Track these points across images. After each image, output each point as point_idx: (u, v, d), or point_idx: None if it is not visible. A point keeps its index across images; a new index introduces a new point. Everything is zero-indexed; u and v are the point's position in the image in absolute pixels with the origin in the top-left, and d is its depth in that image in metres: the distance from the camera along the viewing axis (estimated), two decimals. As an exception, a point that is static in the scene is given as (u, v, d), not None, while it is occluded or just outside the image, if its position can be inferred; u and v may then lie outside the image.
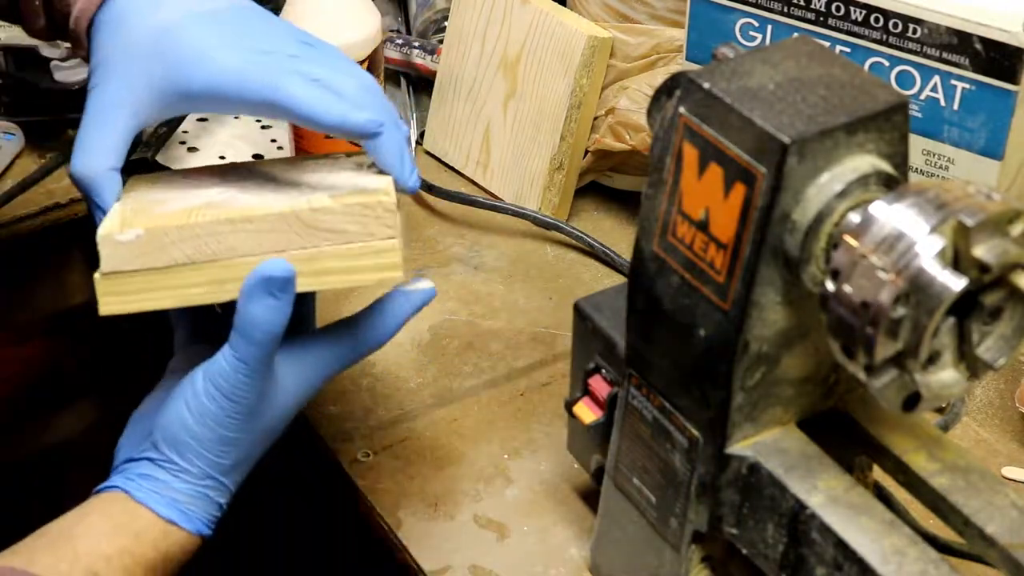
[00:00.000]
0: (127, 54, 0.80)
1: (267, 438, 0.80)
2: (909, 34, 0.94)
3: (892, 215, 0.62)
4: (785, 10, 0.99)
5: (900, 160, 0.67)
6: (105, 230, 0.76)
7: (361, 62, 1.08)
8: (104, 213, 0.79)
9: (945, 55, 0.93)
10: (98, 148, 0.79)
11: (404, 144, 0.81)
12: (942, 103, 0.95)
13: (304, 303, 0.85)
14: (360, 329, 0.81)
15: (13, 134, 1.24)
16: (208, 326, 0.85)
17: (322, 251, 0.76)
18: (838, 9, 0.97)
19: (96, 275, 0.76)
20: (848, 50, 0.97)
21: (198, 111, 0.80)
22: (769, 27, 1.01)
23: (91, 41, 0.82)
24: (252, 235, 0.76)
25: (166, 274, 0.76)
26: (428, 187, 1.17)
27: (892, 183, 0.66)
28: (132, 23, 0.80)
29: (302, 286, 0.76)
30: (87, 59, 0.83)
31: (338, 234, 0.76)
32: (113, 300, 0.77)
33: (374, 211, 0.76)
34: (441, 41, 1.24)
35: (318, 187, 0.80)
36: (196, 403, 0.77)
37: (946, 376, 0.63)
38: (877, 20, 0.95)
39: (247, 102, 0.79)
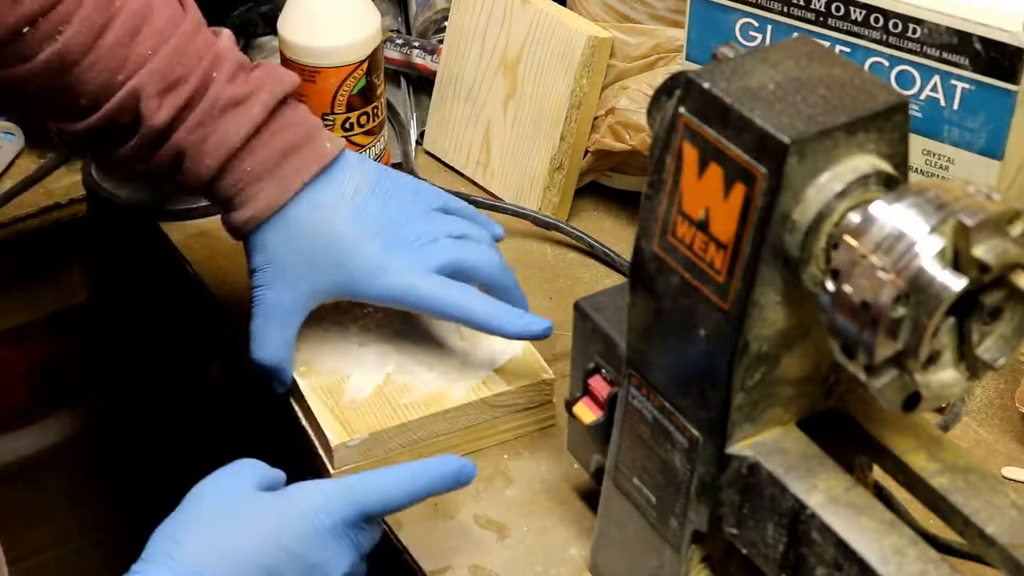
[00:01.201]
0: (297, 261, 0.92)
1: None
2: (909, 34, 0.94)
3: (892, 215, 0.62)
4: (785, 10, 0.99)
5: (900, 160, 0.67)
6: (334, 436, 0.91)
7: (361, 62, 1.08)
8: (284, 386, 0.95)
9: (945, 55, 0.93)
10: (276, 344, 0.93)
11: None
12: (942, 103, 0.95)
13: None
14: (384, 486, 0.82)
15: (13, 134, 1.24)
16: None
17: (497, 420, 0.95)
18: (838, 9, 0.97)
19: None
20: (848, 50, 0.97)
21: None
22: (769, 27, 1.01)
23: (254, 237, 0.93)
24: (448, 420, 0.93)
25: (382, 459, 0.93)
26: (428, 187, 1.17)
27: (892, 183, 0.66)
28: (298, 229, 0.92)
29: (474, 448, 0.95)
30: (238, 238, 0.94)
31: (511, 407, 0.95)
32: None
33: (540, 389, 0.95)
34: (441, 41, 1.24)
35: (472, 353, 0.97)
36: None
37: (946, 376, 0.63)
38: (877, 20, 0.95)
39: (425, 312, 0.95)
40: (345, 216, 0.92)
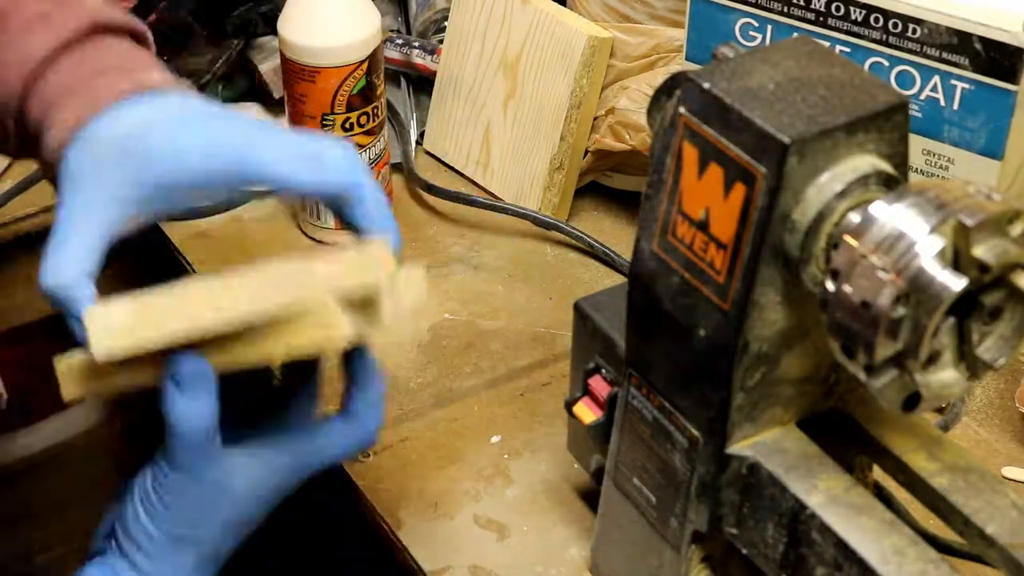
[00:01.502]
0: (94, 165, 0.74)
1: (229, 535, 0.75)
2: (909, 34, 0.94)
3: (892, 215, 0.62)
4: (785, 10, 0.99)
5: (900, 160, 0.67)
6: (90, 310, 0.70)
7: (361, 62, 1.08)
8: (81, 324, 0.72)
9: (945, 55, 0.93)
10: (68, 256, 0.73)
11: (385, 202, 0.76)
12: (942, 103, 0.95)
13: (298, 393, 0.81)
14: (318, 438, 0.77)
15: (13, 134, 1.23)
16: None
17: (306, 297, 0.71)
18: (838, 9, 0.97)
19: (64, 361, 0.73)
20: (848, 50, 0.97)
21: (171, 205, 0.78)
22: (769, 27, 1.01)
23: (61, 165, 0.76)
24: (228, 290, 0.73)
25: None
26: (428, 187, 1.17)
27: (892, 183, 0.66)
28: (105, 142, 0.75)
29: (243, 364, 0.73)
30: (52, 177, 0.77)
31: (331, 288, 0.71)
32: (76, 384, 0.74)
33: (373, 254, 0.71)
34: (441, 41, 1.24)
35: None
36: (145, 498, 0.74)
37: (946, 376, 0.63)
38: (877, 20, 0.95)
39: (216, 172, 0.75)
40: (164, 125, 0.76)
